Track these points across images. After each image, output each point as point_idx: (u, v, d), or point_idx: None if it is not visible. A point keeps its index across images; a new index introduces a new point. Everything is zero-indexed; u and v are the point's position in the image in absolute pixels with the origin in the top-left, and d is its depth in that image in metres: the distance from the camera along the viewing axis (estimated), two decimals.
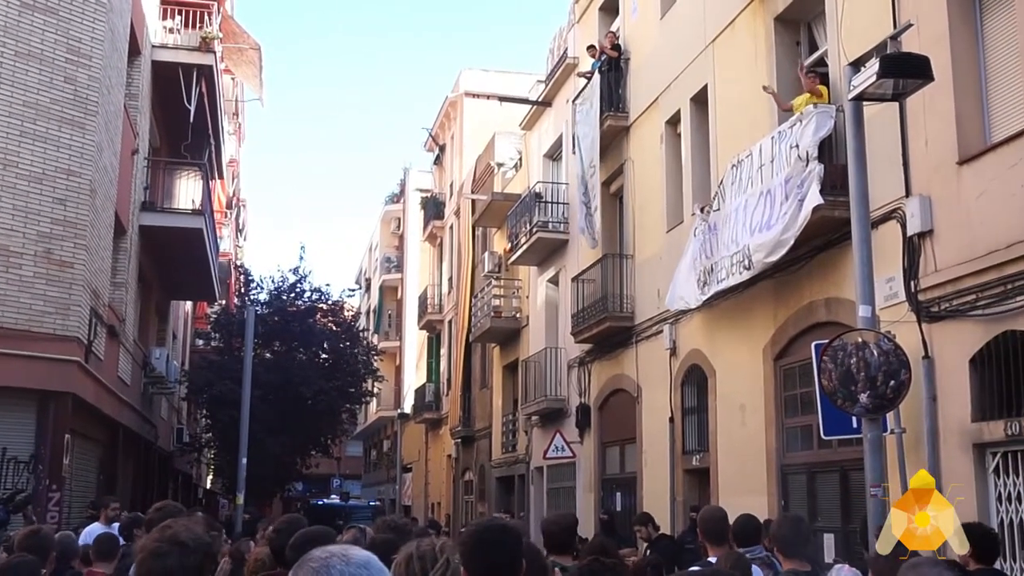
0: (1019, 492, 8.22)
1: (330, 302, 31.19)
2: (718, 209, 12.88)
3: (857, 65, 7.89)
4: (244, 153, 43.06)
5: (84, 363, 13.35)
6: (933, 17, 9.27)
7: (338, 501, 36.70)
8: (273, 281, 30.54)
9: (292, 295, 29.86)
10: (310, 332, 29.27)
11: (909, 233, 9.50)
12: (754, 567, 5.72)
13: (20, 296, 12.54)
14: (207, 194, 19.69)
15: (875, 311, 8.23)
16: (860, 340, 7.82)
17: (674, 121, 15.64)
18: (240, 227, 43.31)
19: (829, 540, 10.73)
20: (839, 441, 10.06)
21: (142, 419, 19.50)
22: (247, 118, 40.67)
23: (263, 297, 30.17)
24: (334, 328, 30.71)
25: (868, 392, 7.67)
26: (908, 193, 9.62)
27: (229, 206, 36.37)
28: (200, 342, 32.98)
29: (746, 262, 11.82)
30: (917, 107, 9.29)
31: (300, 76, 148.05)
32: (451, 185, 35.04)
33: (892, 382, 7.70)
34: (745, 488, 12.35)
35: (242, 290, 31.77)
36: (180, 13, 19.28)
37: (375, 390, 35.29)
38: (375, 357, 33.42)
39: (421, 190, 40.86)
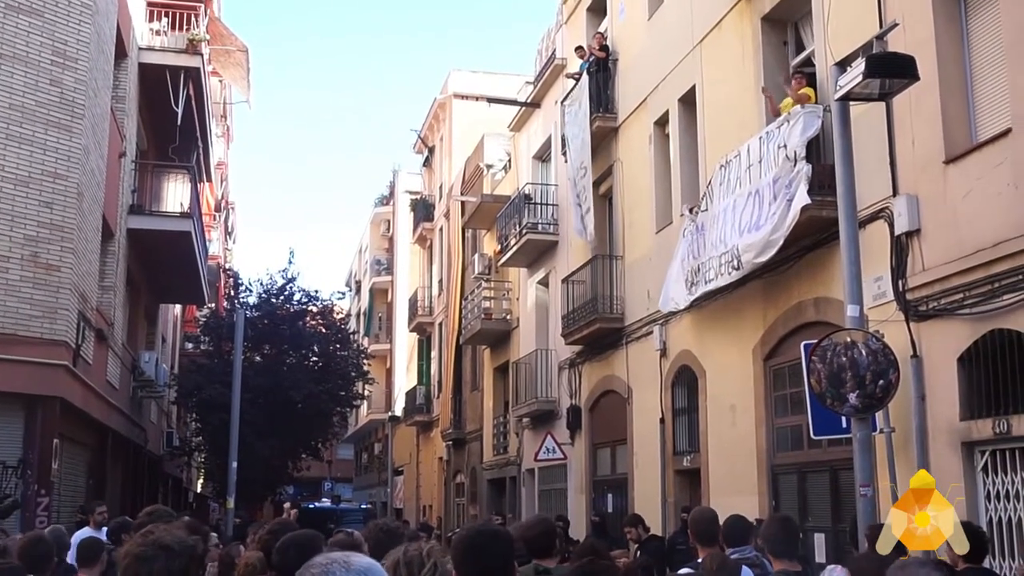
0: (1008, 490, 8.25)
1: (320, 304, 31.11)
2: (706, 210, 12.89)
3: (843, 65, 7.90)
4: (232, 155, 42.96)
5: (72, 367, 13.29)
6: (919, 17, 9.30)
7: (329, 504, 36.60)
8: (262, 284, 30.48)
9: (281, 298, 29.79)
10: (300, 335, 29.21)
11: (897, 232, 9.53)
12: (744, 568, 5.71)
13: (7, 300, 12.47)
14: (195, 197, 19.62)
15: (863, 310, 8.24)
16: (849, 340, 7.83)
17: (662, 122, 15.66)
18: (229, 230, 43.19)
19: (820, 540, 10.75)
20: (829, 441, 10.08)
21: (131, 423, 19.41)
22: (235, 120, 40.58)
23: (252, 300, 30.09)
24: (324, 331, 30.65)
25: (857, 392, 7.69)
26: (895, 192, 9.64)
27: (218, 209, 36.24)
28: (189, 345, 32.86)
29: (735, 262, 11.83)
30: (903, 107, 9.32)
31: (288, 78, 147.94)
32: (440, 187, 35.02)
33: (881, 381, 7.72)
34: (736, 488, 12.36)
35: (231, 293, 31.67)
36: (167, 15, 19.21)
37: (366, 393, 35.22)
38: (365, 360, 33.37)
39: (410, 192, 40.83)
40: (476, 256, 27.08)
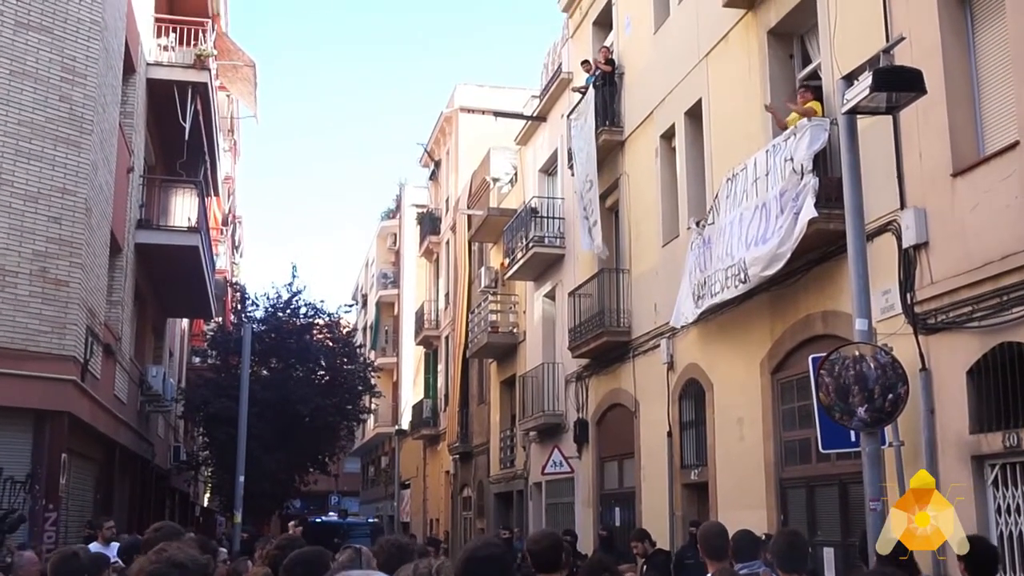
0: (1018, 504, 8.21)
1: (326, 318, 31.12)
2: (713, 223, 12.89)
3: (850, 79, 7.89)
4: (240, 170, 43.06)
5: (80, 382, 13.32)
6: (925, 30, 9.31)
7: (336, 518, 36.54)
8: (268, 299, 30.51)
9: (288, 312, 29.81)
10: (307, 349, 29.20)
11: (904, 245, 9.51)
12: None
13: (15, 315, 12.51)
14: (203, 211, 19.68)
15: (872, 324, 8.22)
16: (857, 353, 7.80)
17: (669, 135, 15.68)
18: (236, 244, 43.30)
19: (829, 554, 10.70)
20: (838, 454, 10.04)
21: (139, 437, 19.43)
22: (242, 135, 40.72)
23: (259, 314, 30.11)
24: (331, 345, 30.66)
25: (866, 406, 7.65)
26: (903, 205, 9.63)
27: (225, 223, 36.35)
28: (197, 360, 32.88)
29: (742, 275, 11.82)
30: (911, 120, 9.32)
31: (295, 92, 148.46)
32: (447, 200, 35.08)
33: (890, 395, 7.69)
34: (744, 502, 12.32)
35: (238, 307, 31.70)
36: (175, 31, 19.31)
37: (373, 406, 35.17)
38: (372, 373, 33.38)
39: (417, 205, 40.88)
40: (483, 269, 27.09)
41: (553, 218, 21.44)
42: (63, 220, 13.09)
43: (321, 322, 30.71)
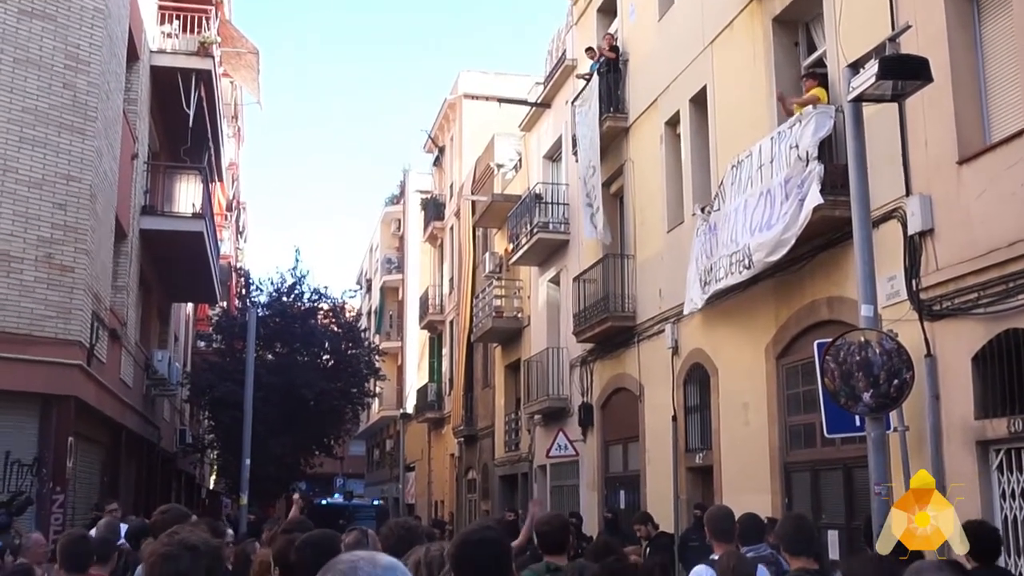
0: (1023, 489, 8.25)
1: (330, 302, 31.20)
2: (718, 209, 12.90)
3: (856, 67, 7.89)
4: (243, 156, 43.07)
5: (86, 366, 13.38)
6: (931, 18, 9.30)
7: (341, 500, 36.69)
8: (272, 283, 30.58)
9: (292, 297, 29.89)
10: (312, 333, 29.31)
11: (910, 232, 9.53)
12: (760, 567, 5.75)
13: (21, 301, 12.56)
14: (207, 197, 19.71)
15: (877, 310, 8.24)
16: (863, 339, 7.83)
17: (673, 122, 15.66)
18: (240, 229, 43.30)
19: (833, 537, 10.76)
20: (842, 439, 10.08)
21: (145, 421, 19.53)
22: (246, 121, 40.68)
23: (263, 299, 30.19)
24: (336, 329, 30.74)
25: (871, 391, 7.69)
26: (908, 192, 9.64)
27: (229, 209, 36.37)
28: (202, 344, 32.99)
29: (746, 261, 11.84)
30: (916, 107, 9.31)
31: (299, 78, 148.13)
32: (451, 186, 35.07)
33: (895, 381, 7.72)
34: (749, 486, 12.38)
35: (243, 292, 31.79)
36: (178, 18, 19.30)
37: (377, 390, 35.26)
38: (377, 357, 33.46)
39: (421, 191, 40.88)
40: (487, 255, 27.12)
41: (558, 204, 21.45)
42: (68, 206, 13.11)
43: (326, 307, 30.80)
